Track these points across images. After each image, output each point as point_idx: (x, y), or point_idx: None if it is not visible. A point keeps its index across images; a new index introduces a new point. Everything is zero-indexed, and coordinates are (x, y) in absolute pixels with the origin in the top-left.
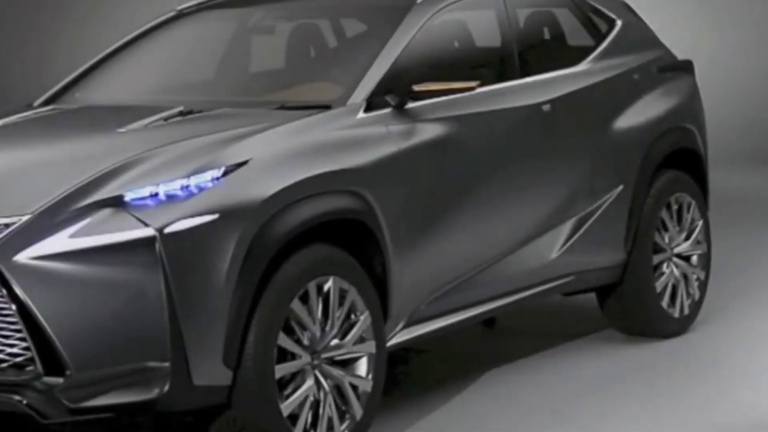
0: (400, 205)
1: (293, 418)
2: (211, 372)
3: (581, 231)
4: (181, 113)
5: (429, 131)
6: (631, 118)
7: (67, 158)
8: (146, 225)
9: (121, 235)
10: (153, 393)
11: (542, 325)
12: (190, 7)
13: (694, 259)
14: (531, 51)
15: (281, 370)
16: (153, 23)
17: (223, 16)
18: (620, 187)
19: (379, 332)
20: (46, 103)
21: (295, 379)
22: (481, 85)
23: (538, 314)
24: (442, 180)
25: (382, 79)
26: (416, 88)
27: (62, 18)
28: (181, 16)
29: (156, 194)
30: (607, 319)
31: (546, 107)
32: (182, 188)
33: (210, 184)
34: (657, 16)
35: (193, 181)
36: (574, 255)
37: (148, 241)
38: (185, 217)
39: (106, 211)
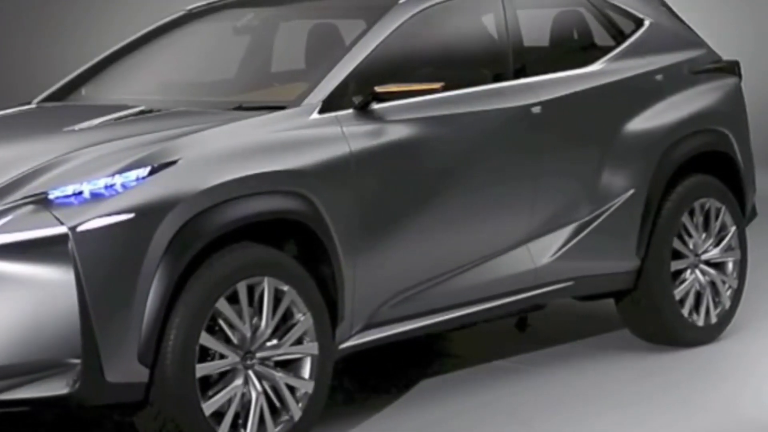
0: (351, 208)
1: (220, 416)
2: (125, 369)
3: (580, 236)
4: (142, 112)
5: (390, 133)
6: (647, 121)
7: (7, 156)
8: (61, 223)
9: (36, 233)
10: (65, 389)
11: (565, 329)
12: (199, 6)
13: (729, 266)
14: (531, 52)
15: (203, 369)
16: (162, 22)
17: (224, 17)
18: (630, 192)
19: (323, 334)
20: (46, 100)
21: (224, 378)
22: (468, 86)
23: (566, 318)
24: (403, 183)
25: (348, 80)
26: (378, 89)
27: (65, 18)
28: (190, 15)
29: (80, 192)
30: (624, 325)
31: (536, 109)
32: (106, 187)
33: (134, 183)
34: (710, 16)
35: (118, 180)
36: (570, 261)
37: (60, 239)
38: (103, 216)
39: (28, 209)
